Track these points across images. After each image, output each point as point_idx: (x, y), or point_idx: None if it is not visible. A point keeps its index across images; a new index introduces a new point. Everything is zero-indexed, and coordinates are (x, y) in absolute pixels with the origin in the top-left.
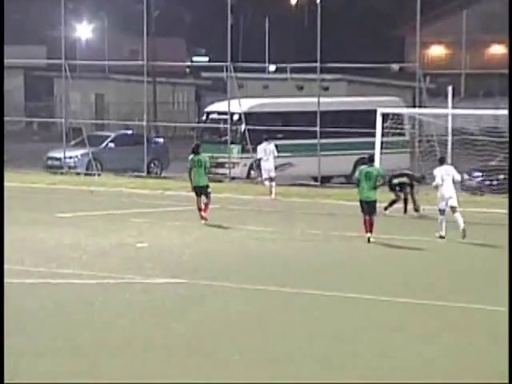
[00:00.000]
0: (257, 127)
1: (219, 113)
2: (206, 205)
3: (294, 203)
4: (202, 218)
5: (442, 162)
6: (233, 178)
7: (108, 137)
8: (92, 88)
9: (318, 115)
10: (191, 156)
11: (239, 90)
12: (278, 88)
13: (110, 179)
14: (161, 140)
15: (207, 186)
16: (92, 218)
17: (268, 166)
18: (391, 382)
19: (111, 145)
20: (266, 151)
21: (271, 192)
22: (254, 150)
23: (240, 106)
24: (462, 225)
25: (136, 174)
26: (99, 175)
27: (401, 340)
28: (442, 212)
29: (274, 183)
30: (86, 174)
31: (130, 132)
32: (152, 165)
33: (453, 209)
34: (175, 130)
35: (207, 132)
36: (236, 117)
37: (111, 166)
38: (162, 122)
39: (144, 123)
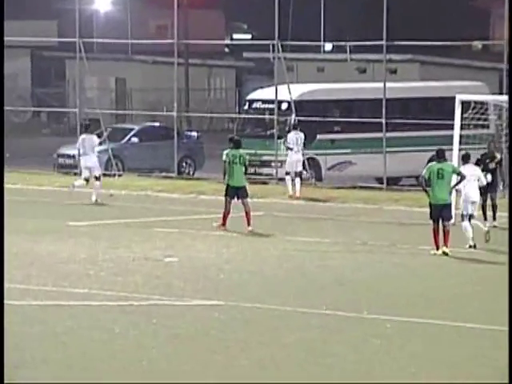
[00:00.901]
0: (310, 118)
1: (264, 101)
2: (248, 213)
3: (353, 209)
4: (223, 225)
5: (466, 159)
6: (280, 180)
7: (131, 130)
8: (112, 71)
9: (384, 103)
10: (229, 150)
11: (288, 74)
12: (336, 71)
13: (133, 181)
14: (194, 134)
15: (245, 188)
16: (111, 228)
17: (297, 157)
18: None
19: (134, 139)
20: (298, 141)
21: (293, 191)
22: (307, 146)
23: (289, 92)
24: (470, 241)
25: (164, 174)
26: (120, 176)
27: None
28: (465, 217)
29: (298, 180)
30: (104, 175)
31: (157, 124)
32: (183, 163)
33: (471, 216)
34: (211, 122)
35: (250, 124)
36: (284, 106)
37: (134, 164)
38: (195, 112)
39: (174, 114)
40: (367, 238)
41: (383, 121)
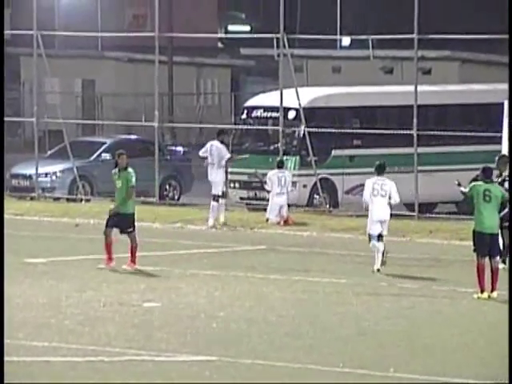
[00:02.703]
0: (323, 130)
1: (267, 108)
2: (134, 248)
3: None
4: (110, 261)
5: (379, 170)
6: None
7: (101, 144)
8: (78, 72)
9: (416, 111)
10: (116, 169)
11: (297, 75)
12: (356, 71)
13: (104, 207)
14: (180, 149)
15: (133, 216)
16: (77, 265)
17: (280, 201)
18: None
19: (106, 156)
20: (281, 181)
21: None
22: (320, 163)
23: (298, 98)
24: (377, 263)
25: (143, 199)
26: (88, 201)
27: None
28: (373, 238)
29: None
30: (68, 200)
31: (133, 137)
32: (166, 186)
33: (379, 237)
34: (201, 135)
35: (249, 137)
36: (292, 114)
37: (105, 187)
38: (181, 122)
39: (155, 124)
40: (395, 278)
41: (414, 133)
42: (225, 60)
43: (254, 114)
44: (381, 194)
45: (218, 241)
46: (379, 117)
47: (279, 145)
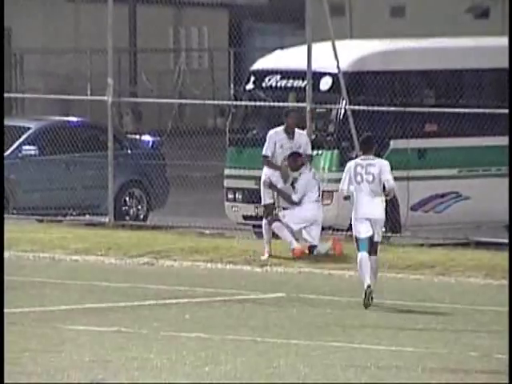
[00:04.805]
0: (376, 108)
1: (285, 74)
2: None
3: (464, 290)
4: None
5: (364, 146)
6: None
7: (22, 131)
8: None
9: None
10: None
11: (335, 20)
12: (428, 14)
13: (27, 231)
14: (148, 139)
15: None
16: None
17: (317, 215)
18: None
19: (29, 149)
20: (315, 189)
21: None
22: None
23: (336, 57)
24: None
25: (89, 218)
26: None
27: None
28: (359, 244)
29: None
30: None
31: (73, 120)
32: (127, 198)
33: (372, 246)
34: (181, 116)
35: (256, 119)
36: (326, 83)
37: (29, 199)
38: (149, 96)
39: (108, 99)
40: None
41: None
42: None
43: (266, 82)
44: (367, 180)
45: (209, 285)
46: (468, 87)
47: (305, 132)
